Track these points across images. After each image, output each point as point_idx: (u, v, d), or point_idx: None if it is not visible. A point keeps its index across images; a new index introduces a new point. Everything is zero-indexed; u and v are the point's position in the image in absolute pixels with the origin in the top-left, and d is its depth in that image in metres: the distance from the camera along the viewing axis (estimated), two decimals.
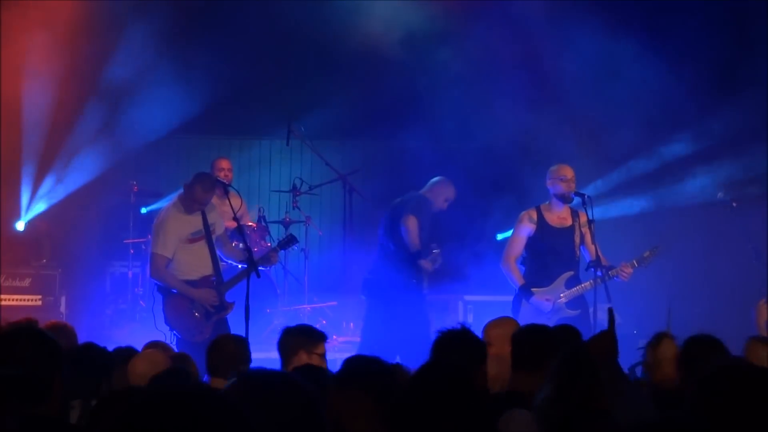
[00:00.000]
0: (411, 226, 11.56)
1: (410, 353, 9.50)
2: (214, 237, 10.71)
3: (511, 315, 10.56)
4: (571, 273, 11.01)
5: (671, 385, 6.32)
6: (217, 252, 10.80)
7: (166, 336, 10.40)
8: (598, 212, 11.22)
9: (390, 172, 15.34)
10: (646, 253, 11.19)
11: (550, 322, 10.03)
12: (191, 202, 10.57)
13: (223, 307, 10.56)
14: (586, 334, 10.56)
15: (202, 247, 10.63)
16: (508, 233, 11.69)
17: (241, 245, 10.75)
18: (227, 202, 11.03)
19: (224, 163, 12.81)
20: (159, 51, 14.03)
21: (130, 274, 13.72)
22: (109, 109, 14.27)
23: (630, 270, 10.92)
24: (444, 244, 13.56)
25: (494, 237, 13.85)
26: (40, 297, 13.07)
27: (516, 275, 10.97)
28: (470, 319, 12.63)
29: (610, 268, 10.87)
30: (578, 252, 11.06)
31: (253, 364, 7.10)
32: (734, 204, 12.37)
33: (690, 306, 12.64)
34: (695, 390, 3.42)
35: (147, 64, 14.10)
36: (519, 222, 11.18)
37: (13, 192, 14.03)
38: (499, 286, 12.10)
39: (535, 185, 11.46)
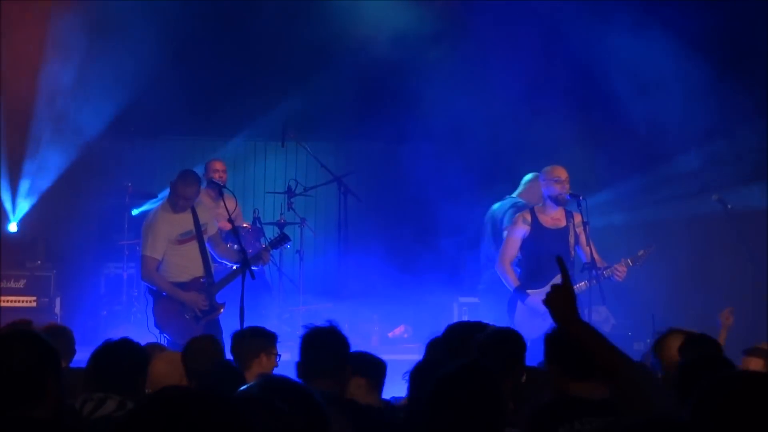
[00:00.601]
0: None
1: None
2: (206, 237, 10.70)
3: (507, 317, 10.65)
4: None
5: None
6: (211, 253, 10.79)
7: (157, 338, 10.41)
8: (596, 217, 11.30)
9: (385, 174, 15.34)
10: (641, 252, 11.22)
11: (545, 324, 10.03)
12: (176, 200, 10.56)
13: (213, 308, 10.55)
14: None
15: (192, 248, 10.61)
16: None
17: (235, 246, 10.75)
18: (222, 203, 11.04)
19: (218, 165, 12.80)
20: (153, 51, 14.01)
21: (124, 276, 13.71)
22: (96, 107, 14.25)
23: (624, 269, 10.93)
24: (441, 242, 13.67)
25: None
26: (34, 298, 13.06)
27: (511, 277, 10.97)
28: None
29: (605, 268, 10.89)
30: (573, 253, 11.06)
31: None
32: (729, 206, 12.39)
33: (684, 308, 12.67)
34: (696, 399, 3.40)
35: (139, 64, 14.09)
36: (513, 224, 11.18)
37: None
38: (495, 289, 12.12)
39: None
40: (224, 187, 11.77)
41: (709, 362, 5.48)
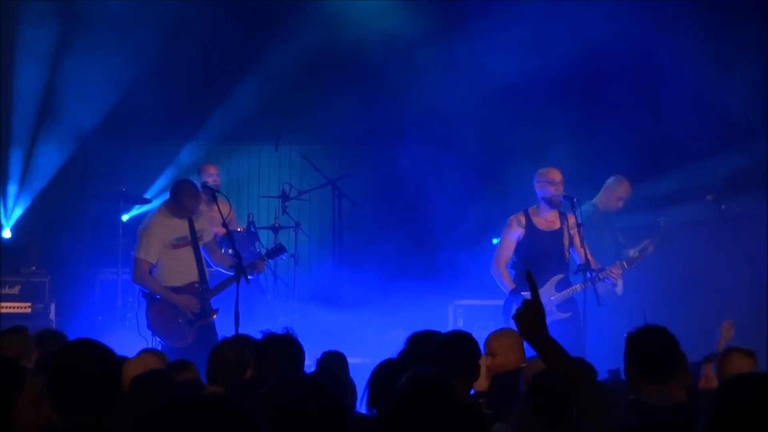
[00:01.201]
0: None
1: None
2: (201, 244, 10.70)
3: (502, 319, 10.63)
4: (561, 276, 11.02)
5: None
6: (206, 259, 10.79)
7: (149, 341, 10.42)
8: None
9: (379, 177, 15.33)
10: (636, 254, 11.23)
11: None
12: (179, 209, 10.58)
13: (206, 313, 10.55)
14: (578, 337, 10.63)
15: (187, 253, 10.62)
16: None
17: (230, 251, 10.74)
18: (216, 207, 11.05)
19: (212, 169, 12.81)
20: (147, 54, 14.01)
21: (119, 281, 13.69)
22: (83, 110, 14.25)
23: (619, 271, 10.95)
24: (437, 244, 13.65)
25: (488, 240, 13.80)
26: (29, 304, 13.03)
27: (506, 279, 10.97)
28: (460, 324, 12.62)
29: (600, 270, 10.90)
30: (568, 255, 11.06)
31: None
32: (723, 207, 12.39)
33: (681, 309, 12.66)
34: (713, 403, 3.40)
35: (133, 67, 14.09)
36: (508, 226, 11.18)
37: None
38: (489, 291, 12.10)
39: (527, 187, 11.45)
40: (218, 191, 11.77)
41: None
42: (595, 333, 10.92)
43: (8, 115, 14.05)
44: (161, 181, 14.56)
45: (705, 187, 12.80)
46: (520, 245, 11.02)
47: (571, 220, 11.04)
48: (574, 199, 10.93)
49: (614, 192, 12.35)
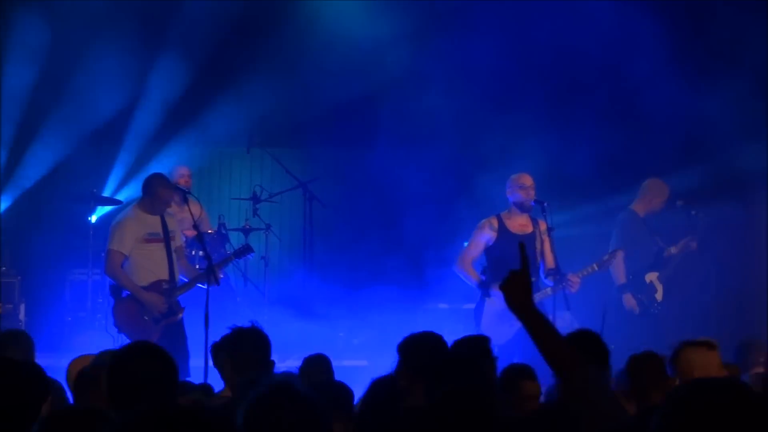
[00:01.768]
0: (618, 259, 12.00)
1: None
2: (173, 244, 10.68)
3: (473, 323, 10.69)
4: (533, 279, 11.02)
5: None
6: None
7: (114, 339, 10.41)
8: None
9: (350, 180, 15.33)
10: (606, 257, 11.30)
11: (512, 329, 10.09)
12: (154, 201, 10.56)
13: (172, 312, 10.53)
14: None
15: (158, 249, 10.59)
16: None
17: (200, 253, 10.73)
18: (187, 209, 11.04)
19: (184, 170, 12.80)
20: (117, 57, 13.98)
21: (89, 282, 13.65)
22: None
23: (577, 280, 10.94)
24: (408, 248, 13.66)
25: (460, 244, 13.79)
26: None
27: (472, 274, 11.04)
28: (431, 328, 12.63)
29: (563, 277, 10.92)
30: (539, 259, 11.12)
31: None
32: (693, 213, 12.46)
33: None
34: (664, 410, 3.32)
35: (105, 70, 14.05)
36: (479, 229, 11.21)
37: None
38: (460, 295, 12.14)
39: (500, 192, 11.47)
40: (189, 192, 11.77)
41: None
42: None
43: None
44: (133, 183, 14.51)
45: (676, 194, 12.86)
46: (492, 248, 11.05)
47: (542, 225, 11.10)
48: (545, 204, 11.00)
49: (654, 195, 12.53)
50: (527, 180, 11.16)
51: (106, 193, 14.25)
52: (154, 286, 10.51)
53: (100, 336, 11.21)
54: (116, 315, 10.52)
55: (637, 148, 13.95)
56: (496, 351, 6.32)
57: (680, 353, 6.73)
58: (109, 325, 10.54)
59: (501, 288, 4.04)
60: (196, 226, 10.64)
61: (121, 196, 14.28)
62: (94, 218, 13.73)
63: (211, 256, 10.39)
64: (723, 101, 13.02)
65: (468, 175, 14.31)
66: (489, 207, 11.97)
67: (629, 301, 12.32)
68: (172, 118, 14.77)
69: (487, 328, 10.49)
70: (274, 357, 6.45)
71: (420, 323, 12.78)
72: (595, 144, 13.65)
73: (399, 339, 6.31)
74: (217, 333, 9.79)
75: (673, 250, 12.30)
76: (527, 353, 6.51)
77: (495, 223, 11.15)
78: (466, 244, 11.68)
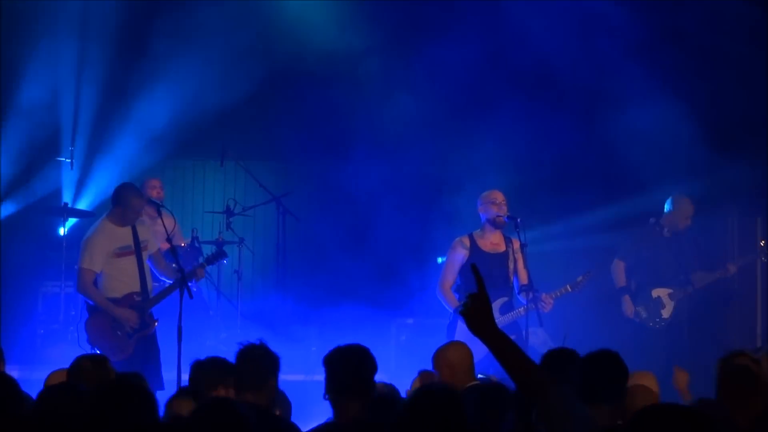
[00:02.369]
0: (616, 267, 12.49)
1: None
2: (146, 254, 10.67)
3: (445, 337, 10.67)
4: (506, 299, 11.06)
5: None
6: (152, 270, 10.78)
7: (87, 352, 10.35)
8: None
9: (324, 194, 15.34)
10: (579, 278, 11.30)
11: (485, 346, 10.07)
12: (124, 212, 10.54)
13: (145, 324, 10.51)
14: None
15: (130, 262, 10.58)
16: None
17: (173, 265, 10.71)
18: (160, 221, 11.02)
19: (155, 182, 12.80)
20: (94, 68, 13.97)
21: (62, 294, 13.59)
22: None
23: (550, 301, 10.96)
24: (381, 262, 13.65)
25: (433, 258, 13.81)
26: None
27: (450, 299, 11.03)
28: (403, 341, 12.68)
29: (537, 296, 10.92)
30: (512, 278, 11.13)
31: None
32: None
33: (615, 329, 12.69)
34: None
35: (80, 85, 14.03)
36: (452, 249, 11.23)
37: None
38: (432, 309, 12.14)
39: (474, 206, 11.49)
40: (162, 205, 11.74)
41: None
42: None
43: None
44: (104, 195, 14.46)
45: (650, 212, 12.90)
46: (465, 268, 11.04)
47: (516, 244, 11.12)
48: (518, 219, 10.99)
49: (680, 212, 12.48)
50: (498, 196, 11.16)
51: (78, 206, 14.20)
52: (127, 299, 10.49)
53: (73, 349, 11.15)
54: (89, 330, 10.49)
55: (615, 160, 13.98)
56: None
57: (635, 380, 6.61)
58: (82, 340, 10.49)
59: (461, 313, 4.02)
60: (169, 239, 10.61)
61: (94, 209, 14.22)
62: (63, 231, 13.67)
63: (184, 269, 10.37)
64: (704, 110, 13.12)
65: (442, 189, 14.34)
66: (464, 221, 11.99)
67: (627, 304, 12.37)
68: (145, 130, 14.72)
69: None
70: None
71: (392, 337, 12.93)
72: (571, 159, 13.71)
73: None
74: (190, 346, 9.84)
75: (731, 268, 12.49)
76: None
77: (467, 242, 11.16)
78: (440, 260, 11.70)
